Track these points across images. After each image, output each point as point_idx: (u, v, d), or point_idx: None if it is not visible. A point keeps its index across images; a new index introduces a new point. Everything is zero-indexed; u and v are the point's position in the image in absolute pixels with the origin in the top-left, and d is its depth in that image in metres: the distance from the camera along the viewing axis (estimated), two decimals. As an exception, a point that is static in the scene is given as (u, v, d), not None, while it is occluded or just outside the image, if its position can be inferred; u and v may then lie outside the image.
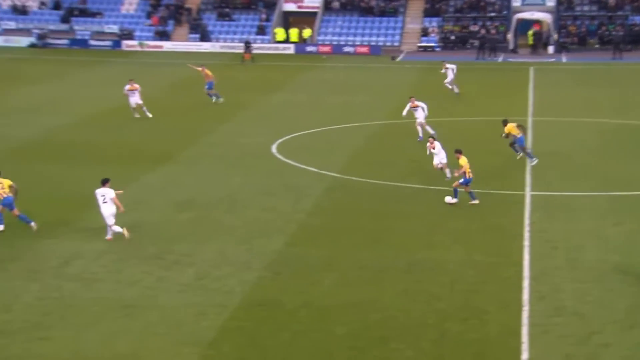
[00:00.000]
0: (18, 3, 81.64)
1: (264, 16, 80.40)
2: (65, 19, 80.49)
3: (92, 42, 77.74)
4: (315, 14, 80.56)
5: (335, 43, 77.36)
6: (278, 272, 22.58)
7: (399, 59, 72.25)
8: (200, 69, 50.03)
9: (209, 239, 25.13)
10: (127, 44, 77.17)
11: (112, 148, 36.81)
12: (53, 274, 22.05)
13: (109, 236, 24.68)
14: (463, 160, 28.16)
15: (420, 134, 37.61)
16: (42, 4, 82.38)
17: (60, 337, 18.40)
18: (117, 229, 24.56)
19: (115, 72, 63.04)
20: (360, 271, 22.65)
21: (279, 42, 78.13)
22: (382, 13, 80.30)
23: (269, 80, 59.42)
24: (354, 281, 21.96)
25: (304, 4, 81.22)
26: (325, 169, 33.31)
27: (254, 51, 71.83)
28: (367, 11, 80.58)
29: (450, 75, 50.80)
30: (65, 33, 79.02)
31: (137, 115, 43.42)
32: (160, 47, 76.76)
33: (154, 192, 29.96)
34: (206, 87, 48.87)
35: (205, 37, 78.19)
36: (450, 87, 50.76)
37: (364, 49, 75.87)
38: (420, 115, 37.87)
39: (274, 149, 36.80)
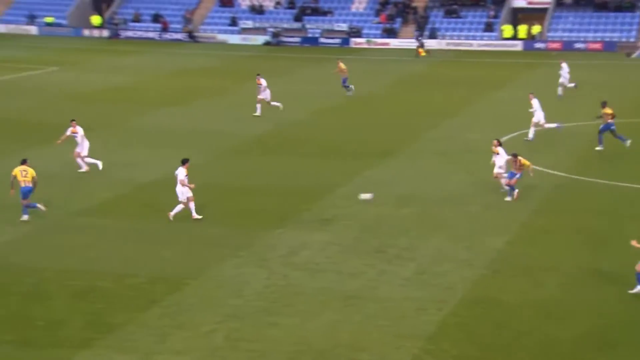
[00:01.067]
0: (256, 3, 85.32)
1: (492, 13, 79.43)
2: (298, 18, 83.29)
3: (322, 40, 79.92)
4: (545, 10, 78.59)
5: (565, 39, 75.12)
6: (499, 271, 22.38)
7: (634, 55, 69.09)
8: (343, 66, 51.17)
9: (430, 234, 25.28)
10: (355, 42, 78.71)
11: (337, 143, 37.74)
12: (280, 263, 22.99)
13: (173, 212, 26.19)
14: (526, 161, 28.22)
15: (531, 135, 36.89)
16: (278, 3, 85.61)
17: (287, 323, 19.17)
18: (178, 208, 26.08)
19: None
20: (585, 273, 22.02)
21: (506, 38, 76.93)
22: (618, 8, 77.05)
23: (495, 77, 58.69)
24: (578, 283, 21.39)
25: (535, 0, 79.45)
26: (551, 167, 32.54)
27: (428, 46, 72.86)
28: (602, 6, 77.60)
29: (564, 74, 48.98)
30: (298, 31, 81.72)
31: (258, 113, 43.71)
32: (387, 44, 77.68)
33: (376, 187, 30.45)
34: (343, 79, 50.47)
35: (431, 34, 78.37)
36: (567, 85, 49.07)
37: (597, 45, 73.12)
38: (537, 115, 36.51)
39: (498, 146, 36.38)
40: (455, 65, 66.88)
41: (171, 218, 26.08)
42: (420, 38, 73.76)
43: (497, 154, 29.27)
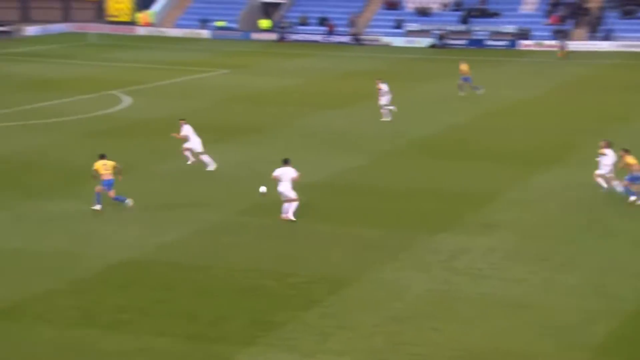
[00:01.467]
0: (422, 5, 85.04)
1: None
2: (464, 20, 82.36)
3: (489, 42, 78.67)
4: None
5: None
6: (674, 283, 21.29)
7: None
8: (465, 68, 50.62)
9: (598, 242, 24.38)
10: (523, 44, 77.02)
11: (503, 146, 37.03)
12: (441, 267, 22.71)
13: (287, 214, 26.31)
14: (632, 159, 26.83)
15: None
16: (444, 5, 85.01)
17: (448, 329, 18.89)
18: (290, 206, 26.38)
19: (508, 72, 63.26)
20: None
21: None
22: None
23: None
24: None
25: None
26: None
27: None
28: None
29: None
30: (463, 33, 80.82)
31: (388, 119, 42.71)
32: (557, 47, 75.56)
33: (543, 193, 29.65)
34: (464, 80, 50.17)
35: (606, 36, 75.70)
36: None
37: None
38: None
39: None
40: (629, 68, 64.33)
41: (292, 218, 26.32)
42: (562, 39, 72.15)
43: (604, 155, 28.43)
